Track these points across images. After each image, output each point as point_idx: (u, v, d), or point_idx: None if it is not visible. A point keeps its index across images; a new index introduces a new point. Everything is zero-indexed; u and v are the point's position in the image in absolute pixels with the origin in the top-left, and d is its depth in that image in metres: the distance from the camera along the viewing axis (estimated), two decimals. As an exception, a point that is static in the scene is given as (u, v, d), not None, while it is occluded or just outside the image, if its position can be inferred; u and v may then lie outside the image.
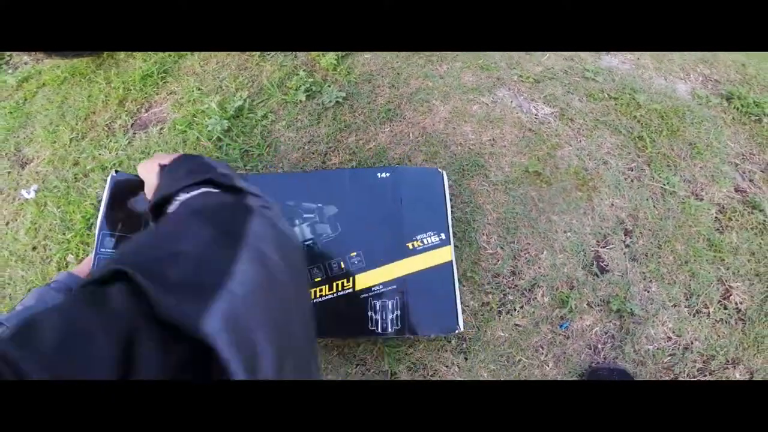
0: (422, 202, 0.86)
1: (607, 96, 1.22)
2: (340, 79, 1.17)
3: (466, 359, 0.94)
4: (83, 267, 0.72)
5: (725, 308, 0.98)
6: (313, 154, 1.09)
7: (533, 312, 0.96)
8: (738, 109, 1.23)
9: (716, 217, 1.06)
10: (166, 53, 1.35)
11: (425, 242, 0.83)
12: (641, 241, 1.02)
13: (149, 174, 0.57)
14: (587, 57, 1.33)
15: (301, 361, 0.34)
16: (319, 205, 0.84)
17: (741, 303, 0.98)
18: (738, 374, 0.93)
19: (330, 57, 1.17)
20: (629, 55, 1.36)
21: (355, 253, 0.82)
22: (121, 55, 1.41)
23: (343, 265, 0.81)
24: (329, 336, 0.84)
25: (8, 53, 1.64)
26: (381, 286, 0.80)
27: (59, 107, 1.33)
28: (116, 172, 0.76)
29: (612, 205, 1.05)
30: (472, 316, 0.94)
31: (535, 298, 0.97)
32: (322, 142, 1.10)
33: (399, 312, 0.79)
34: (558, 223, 1.02)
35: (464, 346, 0.94)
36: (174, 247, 0.31)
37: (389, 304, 0.79)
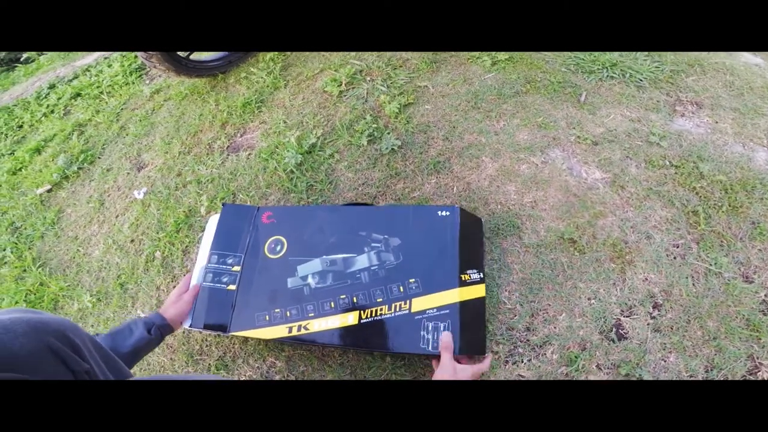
0: (470, 241, 1.01)
1: (668, 163, 1.20)
2: (399, 127, 1.30)
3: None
4: (170, 307, 0.98)
5: (748, 382, 0.94)
6: (364, 195, 1.23)
7: (539, 366, 1.01)
8: (823, 184, 1.12)
9: (764, 300, 1.01)
10: (265, 84, 1.57)
11: (472, 277, 0.97)
12: (669, 315, 1.01)
13: None
14: (657, 119, 1.30)
15: None
16: (386, 236, 0.99)
17: (770, 381, 0.92)
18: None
19: (394, 105, 1.30)
20: (706, 119, 1.30)
21: (413, 280, 0.95)
22: (231, 79, 1.66)
23: (402, 289, 0.95)
24: (383, 349, 0.98)
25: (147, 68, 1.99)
26: (435, 310, 0.93)
27: (177, 121, 1.61)
28: None
29: (645, 279, 1.06)
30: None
31: (545, 354, 1.03)
32: (374, 186, 1.23)
33: None
34: (583, 290, 1.06)
35: (469, 389, 1.03)
36: None
37: (441, 326, 0.91)
